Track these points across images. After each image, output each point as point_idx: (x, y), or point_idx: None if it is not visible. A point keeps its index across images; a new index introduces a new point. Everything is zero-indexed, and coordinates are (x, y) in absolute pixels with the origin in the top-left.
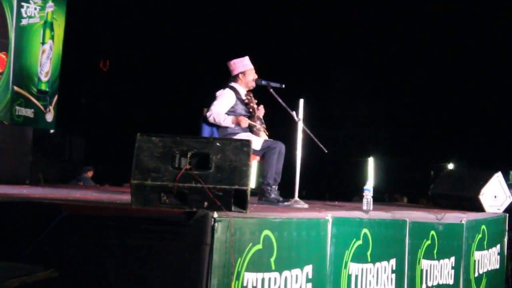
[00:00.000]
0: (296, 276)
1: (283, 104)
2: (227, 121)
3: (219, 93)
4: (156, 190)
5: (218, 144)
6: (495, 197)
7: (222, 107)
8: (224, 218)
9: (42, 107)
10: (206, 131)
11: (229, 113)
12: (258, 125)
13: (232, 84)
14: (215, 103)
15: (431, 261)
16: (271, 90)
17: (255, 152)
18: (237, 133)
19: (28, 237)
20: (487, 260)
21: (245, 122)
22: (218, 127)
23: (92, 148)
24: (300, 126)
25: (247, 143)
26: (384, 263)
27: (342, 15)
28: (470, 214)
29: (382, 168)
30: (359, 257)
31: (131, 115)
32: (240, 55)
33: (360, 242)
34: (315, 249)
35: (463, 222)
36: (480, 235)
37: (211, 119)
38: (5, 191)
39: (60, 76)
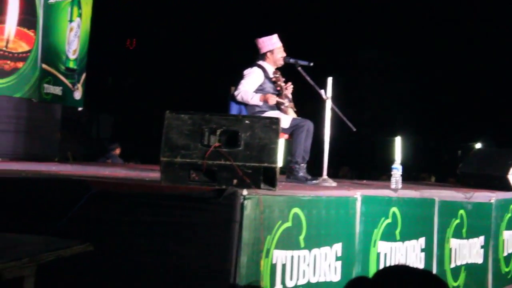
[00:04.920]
0: (326, 254)
1: (311, 82)
2: (254, 99)
3: (247, 71)
4: (186, 168)
5: (247, 121)
6: None
7: (250, 86)
8: (253, 195)
9: (70, 85)
10: (234, 109)
11: (257, 91)
12: (286, 103)
13: (260, 62)
14: (243, 81)
15: (460, 240)
16: (299, 68)
17: (284, 130)
18: (265, 111)
19: (58, 214)
20: None
21: (272, 99)
22: (246, 105)
23: (120, 126)
24: (329, 104)
25: (276, 121)
26: (413, 241)
27: None
28: (499, 193)
29: (409, 147)
30: (388, 236)
31: (158, 93)
32: (268, 32)
33: (389, 220)
34: (344, 227)
35: (492, 201)
36: (509, 215)
37: (239, 98)
38: (35, 168)
39: (88, 54)
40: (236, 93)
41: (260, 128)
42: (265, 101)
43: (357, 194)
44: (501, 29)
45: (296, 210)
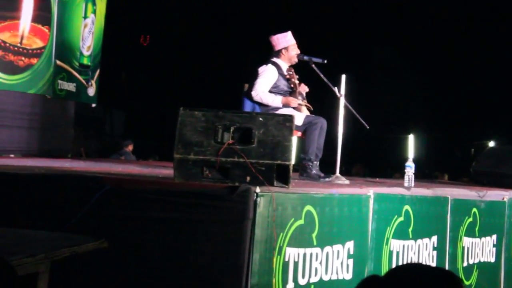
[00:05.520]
0: (338, 251)
1: (325, 79)
2: (276, 102)
3: (261, 69)
4: (199, 165)
5: (260, 119)
6: None
7: (266, 85)
8: (266, 193)
9: (84, 81)
10: (247, 106)
11: (271, 89)
12: (300, 100)
13: (274, 59)
14: (259, 81)
15: (472, 238)
16: (313, 65)
17: (297, 128)
18: (279, 108)
19: (72, 210)
20: None
21: (294, 102)
22: (260, 103)
23: (133, 122)
24: (342, 101)
25: (289, 118)
26: (426, 240)
27: None
28: None
29: (423, 145)
30: (400, 234)
31: (171, 90)
32: (282, 30)
33: (401, 218)
34: (356, 225)
35: (505, 199)
36: None
37: (257, 99)
38: (48, 164)
39: (101, 51)
40: (254, 93)
41: (273, 125)
42: (287, 104)
43: (370, 192)
44: None
45: (309, 207)
